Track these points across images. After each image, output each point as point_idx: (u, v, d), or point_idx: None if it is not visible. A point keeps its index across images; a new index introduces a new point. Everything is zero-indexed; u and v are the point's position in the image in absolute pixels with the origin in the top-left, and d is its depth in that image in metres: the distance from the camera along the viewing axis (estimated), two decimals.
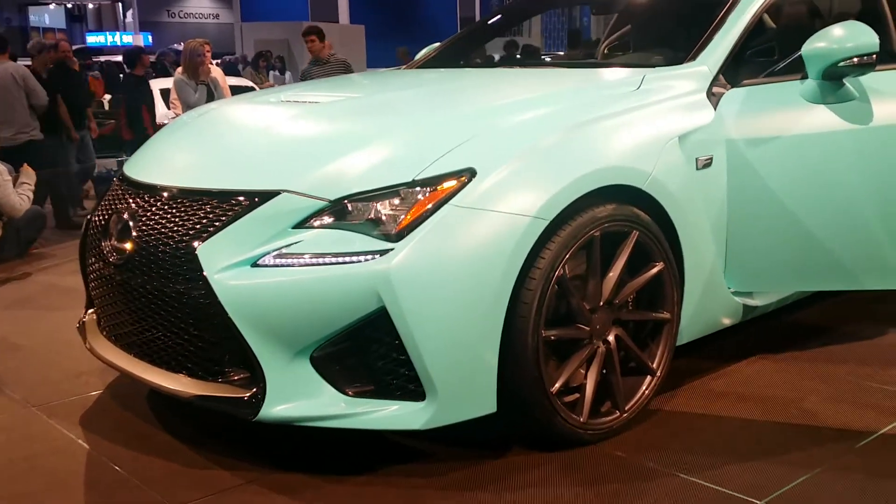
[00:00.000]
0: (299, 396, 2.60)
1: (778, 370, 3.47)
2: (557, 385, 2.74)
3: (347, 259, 2.53)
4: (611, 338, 2.88)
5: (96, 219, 3.17)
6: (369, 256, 2.52)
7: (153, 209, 2.86)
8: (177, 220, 2.77)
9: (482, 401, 2.62)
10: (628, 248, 2.87)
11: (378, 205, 2.60)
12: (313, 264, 2.56)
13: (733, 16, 3.37)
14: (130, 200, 2.98)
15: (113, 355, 3.05)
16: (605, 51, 4.99)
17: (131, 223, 2.89)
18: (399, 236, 2.53)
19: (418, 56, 4.76)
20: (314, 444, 2.90)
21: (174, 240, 2.74)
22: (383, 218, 2.58)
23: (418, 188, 2.59)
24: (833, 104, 3.09)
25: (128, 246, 2.88)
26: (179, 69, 7.82)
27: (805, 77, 3.16)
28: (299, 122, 3.14)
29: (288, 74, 14.04)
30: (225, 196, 2.74)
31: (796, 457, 2.78)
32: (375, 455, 2.84)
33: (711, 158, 3.10)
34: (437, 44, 4.90)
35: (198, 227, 2.71)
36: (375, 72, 4.57)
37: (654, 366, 3.00)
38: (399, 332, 2.49)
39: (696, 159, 3.06)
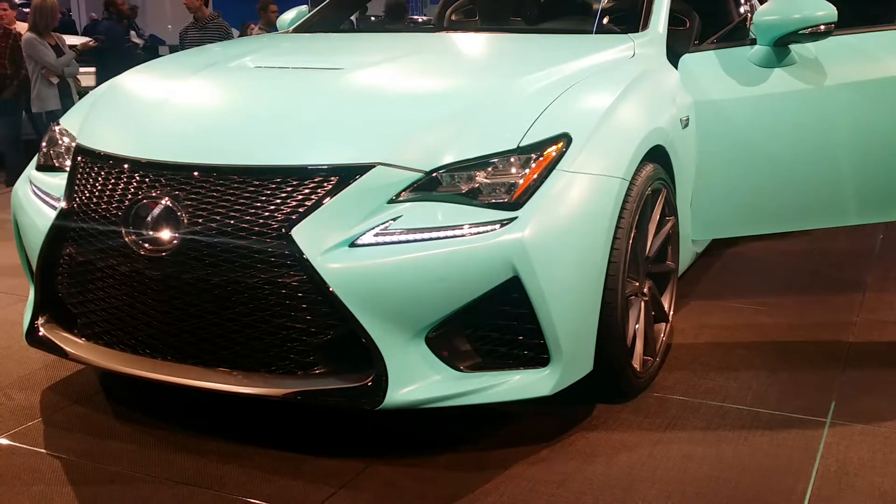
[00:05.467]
0: (418, 378, 2.49)
1: (718, 306, 3.87)
2: (630, 338, 2.88)
3: (465, 232, 2.45)
4: (646, 290, 3.06)
5: (83, 206, 2.71)
6: (489, 227, 2.46)
7: (211, 192, 2.53)
8: (250, 202, 2.49)
9: (587, 361, 2.68)
10: (660, 204, 3.05)
11: (479, 174, 2.54)
12: (426, 240, 2.45)
13: None
14: (160, 183, 2.59)
15: (130, 364, 2.67)
16: (452, 17, 5.07)
17: (176, 209, 2.53)
18: (517, 205, 2.50)
19: (290, 18, 4.48)
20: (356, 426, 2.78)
21: (253, 224, 2.46)
22: (489, 187, 2.52)
23: (524, 155, 2.56)
24: (784, 67, 3.47)
25: (174, 236, 2.52)
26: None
27: (754, 43, 3.51)
28: (355, 89, 2.89)
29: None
30: (309, 173, 2.50)
31: (818, 366, 3.18)
32: (459, 424, 2.79)
33: (689, 118, 3.37)
34: (306, 7, 4.67)
35: (282, 208, 2.46)
36: (308, 36, 4.16)
37: (668, 312, 3.24)
38: (531, 299, 2.47)
39: (681, 119, 3.31)
